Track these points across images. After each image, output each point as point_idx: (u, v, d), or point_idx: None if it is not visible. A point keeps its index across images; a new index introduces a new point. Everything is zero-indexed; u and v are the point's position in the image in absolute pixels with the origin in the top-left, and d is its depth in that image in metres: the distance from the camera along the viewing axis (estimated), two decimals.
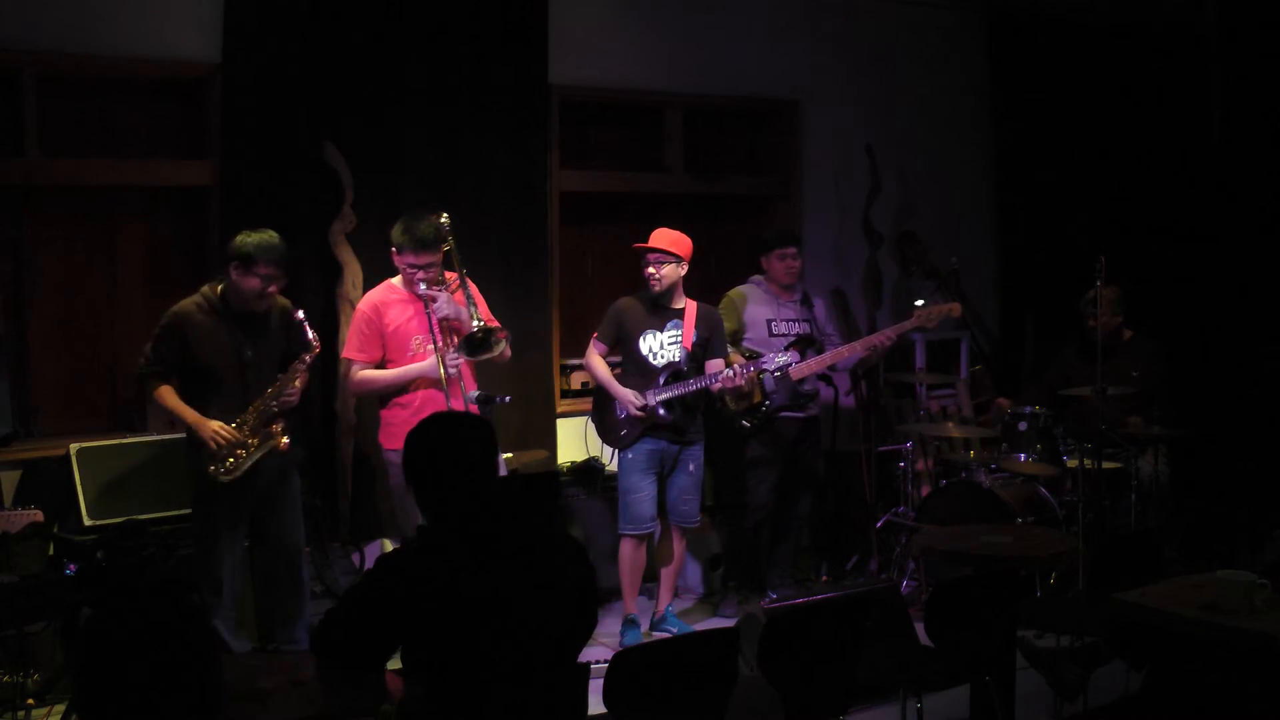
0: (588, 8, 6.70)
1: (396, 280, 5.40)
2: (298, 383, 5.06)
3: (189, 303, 5.01)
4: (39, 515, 4.50)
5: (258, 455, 4.96)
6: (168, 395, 4.97)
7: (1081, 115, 8.25)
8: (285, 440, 5.00)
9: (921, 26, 7.90)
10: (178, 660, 2.49)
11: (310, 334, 5.02)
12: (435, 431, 3.26)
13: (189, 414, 4.94)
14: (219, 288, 5.01)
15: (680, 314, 5.85)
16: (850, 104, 7.62)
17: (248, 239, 4.93)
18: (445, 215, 5.34)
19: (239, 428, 4.94)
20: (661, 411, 5.74)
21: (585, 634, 3.26)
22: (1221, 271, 8.31)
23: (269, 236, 4.96)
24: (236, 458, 4.93)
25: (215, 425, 4.91)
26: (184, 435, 5.08)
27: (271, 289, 4.99)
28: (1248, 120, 8.55)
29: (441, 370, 5.15)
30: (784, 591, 6.20)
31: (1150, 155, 8.39)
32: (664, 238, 5.79)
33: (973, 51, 8.12)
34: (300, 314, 5.05)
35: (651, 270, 5.76)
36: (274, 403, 5.00)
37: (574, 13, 6.60)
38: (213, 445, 4.90)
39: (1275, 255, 8.13)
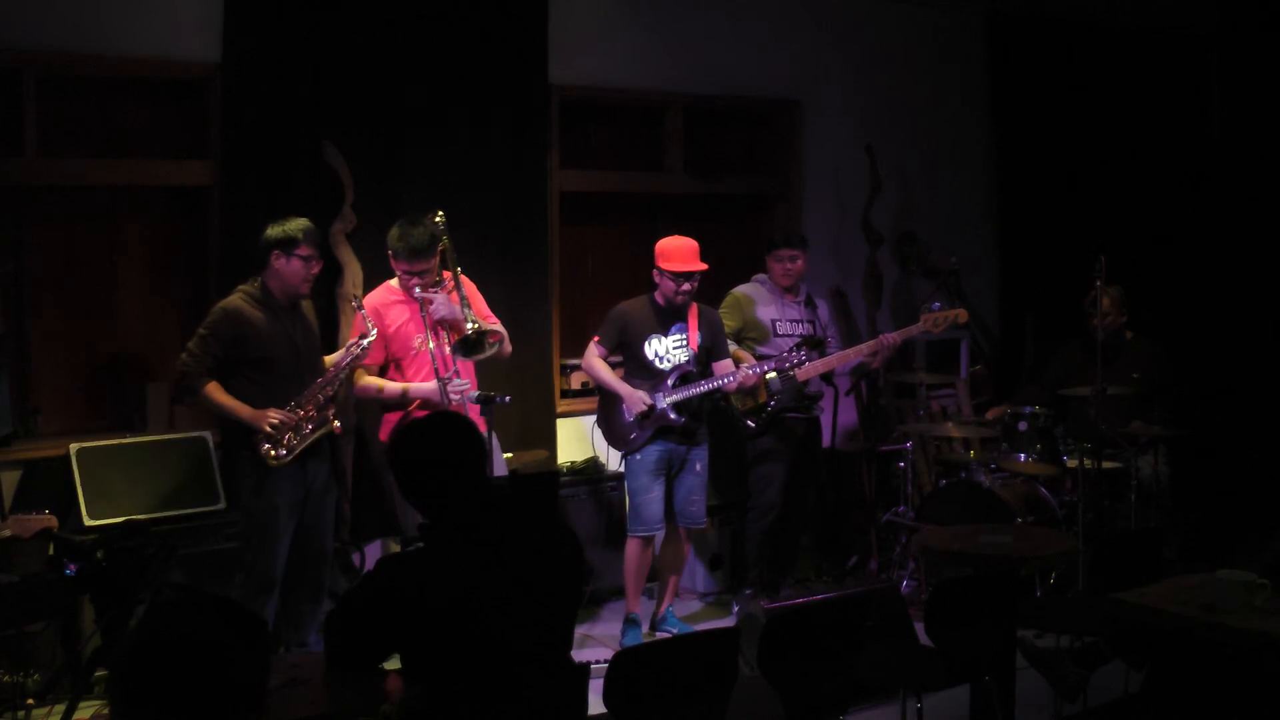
0: (588, 8, 6.70)
1: (395, 281, 5.41)
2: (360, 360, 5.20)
3: (235, 298, 5.04)
4: (53, 521, 4.49)
5: (313, 438, 5.03)
6: (217, 392, 4.98)
7: (1081, 115, 8.24)
8: (338, 424, 5.11)
9: (921, 27, 7.90)
10: (231, 684, 2.40)
11: (369, 322, 5.15)
12: (416, 436, 3.27)
13: (242, 408, 4.97)
14: (257, 283, 5.06)
15: (684, 317, 5.84)
16: (850, 104, 7.62)
17: (285, 225, 5.01)
18: (440, 214, 5.34)
19: (292, 410, 4.99)
20: (673, 415, 5.72)
21: (575, 609, 3.34)
22: (1221, 271, 8.31)
23: (303, 220, 5.06)
24: (290, 440, 4.99)
25: (270, 411, 4.96)
26: (212, 436, 5.17)
27: (314, 269, 5.08)
28: (1247, 119, 8.55)
29: (444, 397, 5.17)
30: (784, 591, 6.21)
31: (1150, 155, 8.39)
32: (695, 251, 5.74)
33: (972, 52, 8.12)
34: (354, 303, 5.26)
35: (688, 287, 5.74)
36: (329, 387, 5.07)
37: (574, 13, 6.59)
38: (268, 429, 4.94)
39: (1275, 255, 8.13)
